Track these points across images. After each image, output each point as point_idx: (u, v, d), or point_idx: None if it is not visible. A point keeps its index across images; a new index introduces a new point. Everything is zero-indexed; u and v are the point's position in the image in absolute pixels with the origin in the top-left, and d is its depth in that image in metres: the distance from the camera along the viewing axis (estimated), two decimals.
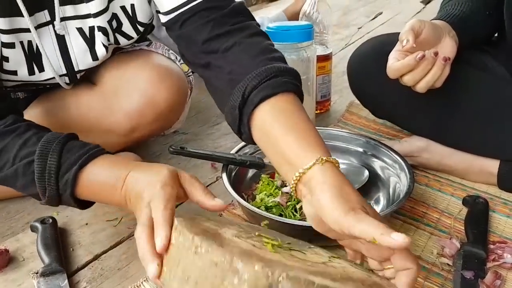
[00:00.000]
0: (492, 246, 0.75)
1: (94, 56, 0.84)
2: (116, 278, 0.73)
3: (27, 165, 0.67)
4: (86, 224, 0.85)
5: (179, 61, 0.92)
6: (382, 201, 0.86)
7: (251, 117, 0.64)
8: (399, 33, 0.85)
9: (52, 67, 0.81)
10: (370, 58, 1.01)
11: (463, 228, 0.80)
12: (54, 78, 0.83)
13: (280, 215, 0.79)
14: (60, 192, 0.67)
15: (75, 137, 0.71)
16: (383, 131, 1.14)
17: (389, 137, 1.12)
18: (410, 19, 0.87)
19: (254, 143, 0.67)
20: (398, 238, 0.48)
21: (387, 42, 0.92)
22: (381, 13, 2.31)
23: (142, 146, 1.11)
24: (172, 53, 0.92)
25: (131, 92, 0.83)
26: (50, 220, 0.82)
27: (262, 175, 0.87)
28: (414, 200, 0.89)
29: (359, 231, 0.50)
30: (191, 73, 0.94)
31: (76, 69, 0.85)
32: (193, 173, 1.00)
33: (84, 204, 0.71)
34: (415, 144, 0.96)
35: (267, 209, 0.80)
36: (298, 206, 0.79)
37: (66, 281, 0.71)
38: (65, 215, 0.88)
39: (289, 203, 0.80)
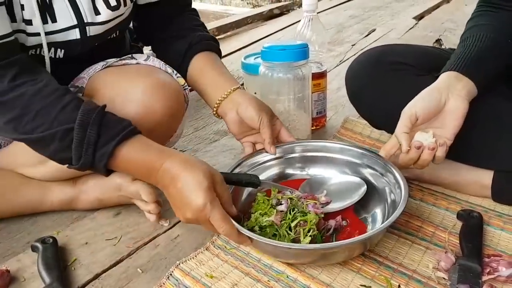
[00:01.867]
0: (487, 260, 0.76)
1: (97, 11, 0.87)
2: None
3: (66, 131, 0.74)
4: (86, 243, 0.86)
5: (175, 74, 0.94)
6: (379, 215, 0.86)
7: (192, 59, 0.99)
8: (394, 44, 0.88)
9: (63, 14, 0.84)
10: (366, 68, 1.04)
11: (458, 242, 0.81)
12: (67, 30, 0.85)
13: (275, 234, 0.79)
14: (95, 163, 0.75)
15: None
16: (378, 146, 1.16)
17: None
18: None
19: (185, 77, 0.98)
20: (272, 151, 0.92)
21: (383, 52, 1.05)
22: (374, 30, 2.36)
23: None
24: (168, 67, 0.94)
25: (128, 103, 0.84)
26: (51, 240, 0.83)
27: (258, 194, 0.86)
28: (409, 214, 0.90)
29: (261, 130, 0.91)
30: (187, 87, 0.96)
31: (85, 20, 0.86)
32: None
33: (110, 171, 0.79)
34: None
35: (262, 228, 0.79)
36: (293, 224, 0.78)
37: None
38: (65, 234, 0.89)
39: (283, 221, 0.79)
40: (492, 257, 0.77)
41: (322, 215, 0.81)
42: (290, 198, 0.84)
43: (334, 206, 0.87)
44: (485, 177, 0.91)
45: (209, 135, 1.31)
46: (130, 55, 0.94)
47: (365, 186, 0.88)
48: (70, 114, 0.74)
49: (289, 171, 0.97)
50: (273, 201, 0.84)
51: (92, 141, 0.73)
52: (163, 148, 0.78)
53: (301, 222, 0.78)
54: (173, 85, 0.89)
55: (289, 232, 0.78)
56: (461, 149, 0.90)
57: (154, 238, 0.87)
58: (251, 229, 0.79)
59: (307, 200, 0.84)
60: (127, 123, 0.77)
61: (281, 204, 0.83)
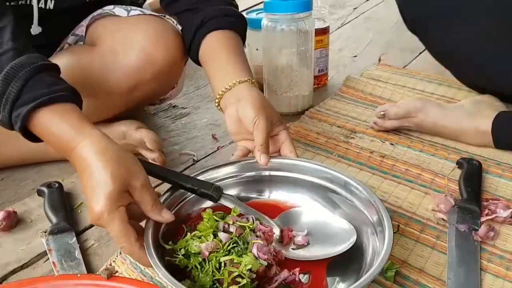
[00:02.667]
0: (485, 203, 0.78)
1: None
2: None
3: None
4: None
5: (176, 24, 0.93)
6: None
7: (203, 39, 0.87)
8: None
9: None
10: None
11: (458, 187, 0.83)
12: None
13: (201, 265, 0.62)
14: (12, 122, 0.66)
15: (55, 69, 0.70)
16: (379, 103, 1.16)
17: None
18: None
19: (197, 59, 0.89)
20: (261, 161, 0.74)
21: None
22: None
23: (143, 118, 1.13)
24: (168, 17, 0.93)
25: (129, 51, 0.84)
26: (56, 185, 0.84)
27: (206, 210, 0.70)
28: (408, 163, 0.92)
29: (254, 133, 0.74)
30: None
31: None
32: (193, 143, 1.05)
33: (38, 138, 0.69)
34: (412, 105, 0.98)
35: (188, 256, 0.63)
36: (223, 260, 0.61)
37: (75, 238, 0.73)
38: (70, 181, 0.90)
39: (214, 254, 0.62)
40: (490, 200, 0.79)
41: (268, 262, 0.63)
42: (242, 227, 0.67)
43: (309, 252, 0.69)
44: (484, 123, 0.92)
45: (210, 93, 1.31)
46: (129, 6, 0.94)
47: (355, 237, 0.68)
48: (2, 64, 0.66)
49: (245, 194, 0.79)
50: (220, 224, 0.67)
51: (11, 98, 0.65)
52: (87, 125, 0.65)
53: (235, 263, 0.61)
54: (174, 34, 0.89)
55: (216, 270, 0.61)
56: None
57: (158, 185, 0.89)
58: (174, 253, 0.64)
59: (257, 238, 0.66)
60: (60, 87, 0.66)
61: (228, 231, 0.66)
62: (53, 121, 0.65)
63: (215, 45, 0.86)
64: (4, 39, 0.69)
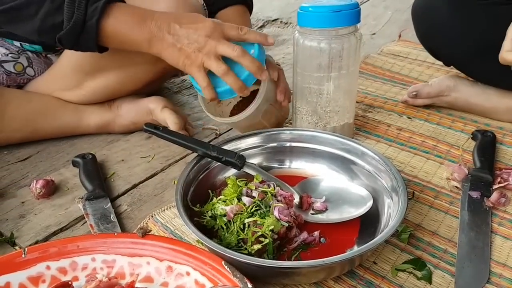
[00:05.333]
0: (498, 172, 0.81)
1: None
2: (153, 202, 0.81)
3: None
4: (122, 160, 0.93)
5: None
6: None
7: (217, 14, 0.99)
8: None
9: None
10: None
11: (472, 158, 0.86)
12: None
13: (226, 226, 0.67)
14: (87, 19, 0.73)
15: None
16: (397, 78, 1.19)
17: (403, 83, 1.16)
18: None
19: None
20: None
21: None
22: None
23: (167, 96, 1.18)
24: None
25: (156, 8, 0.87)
26: (90, 156, 0.89)
27: (230, 177, 0.75)
28: (425, 135, 0.95)
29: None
30: (205, 7, 0.98)
31: None
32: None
33: (102, 48, 0.79)
34: (444, 84, 0.99)
35: (215, 218, 0.68)
36: (247, 221, 0.66)
37: (109, 204, 0.78)
38: (102, 153, 0.95)
39: (238, 216, 0.67)
40: (503, 170, 0.82)
41: (289, 224, 0.67)
42: (264, 192, 0.71)
43: (327, 216, 0.73)
44: None
45: None
46: None
47: (371, 202, 0.72)
48: None
49: (266, 163, 0.83)
50: (243, 189, 0.71)
51: None
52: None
53: (258, 224, 0.66)
54: (194, 2, 0.93)
55: (240, 230, 0.66)
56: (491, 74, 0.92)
57: (184, 156, 0.94)
58: (202, 215, 0.70)
59: (278, 202, 0.70)
60: None
61: (252, 196, 0.70)
62: (129, 5, 0.77)
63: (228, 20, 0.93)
64: None
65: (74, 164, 0.90)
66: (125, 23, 0.76)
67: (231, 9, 1.02)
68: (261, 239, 0.64)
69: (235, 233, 0.66)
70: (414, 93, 1.02)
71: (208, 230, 0.68)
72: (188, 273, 0.60)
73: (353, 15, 0.81)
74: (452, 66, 1.04)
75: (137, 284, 0.58)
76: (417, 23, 1.03)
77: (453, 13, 0.94)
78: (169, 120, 0.93)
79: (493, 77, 0.95)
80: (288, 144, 0.84)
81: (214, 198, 0.72)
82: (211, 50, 0.75)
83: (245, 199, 0.69)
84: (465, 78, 1.01)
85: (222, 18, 0.98)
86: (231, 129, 1.04)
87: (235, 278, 0.57)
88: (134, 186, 0.85)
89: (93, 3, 0.74)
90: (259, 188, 0.72)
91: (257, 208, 0.68)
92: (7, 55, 0.95)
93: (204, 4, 0.97)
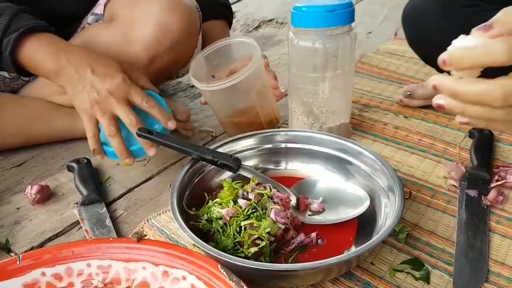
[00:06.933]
0: (495, 170, 0.81)
1: None
2: (149, 205, 0.81)
3: None
4: (118, 164, 0.92)
5: None
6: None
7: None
8: None
9: None
10: (435, 4, 0.96)
11: (469, 156, 0.86)
12: None
13: (223, 229, 0.66)
14: (2, 50, 0.76)
15: (28, 12, 0.81)
16: (393, 77, 1.19)
17: (400, 82, 1.16)
18: None
19: None
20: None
21: None
22: None
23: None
24: None
25: (146, 23, 0.87)
26: (85, 160, 0.89)
27: (226, 179, 0.74)
28: (421, 134, 0.94)
29: None
30: (199, 9, 0.98)
31: None
32: (211, 120, 1.08)
33: (24, 72, 0.81)
34: None
35: (211, 221, 0.68)
36: (243, 224, 0.65)
37: (105, 208, 0.78)
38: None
39: (234, 219, 0.66)
40: (501, 167, 0.81)
41: (286, 226, 0.67)
42: (260, 194, 0.70)
43: (324, 217, 0.73)
44: None
45: None
46: None
47: (368, 202, 0.72)
48: None
49: (262, 165, 0.83)
50: (239, 192, 0.70)
51: (1, 27, 0.75)
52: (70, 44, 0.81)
53: (255, 226, 0.65)
54: (188, 5, 0.92)
55: (236, 233, 0.65)
56: None
57: (180, 159, 0.93)
58: (197, 218, 0.69)
59: (275, 204, 0.69)
60: (42, 22, 0.79)
61: (248, 199, 0.69)
62: (44, 42, 0.78)
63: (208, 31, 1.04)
64: None
65: (69, 169, 0.90)
66: (38, 53, 0.78)
67: (213, 23, 1.07)
68: (258, 241, 0.64)
69: (232, 236, 0.65)
70: (408, 93, 1.02)
71: (204, 234, 0.68)
72: (184, 278, 0.60)
73: (347, 15, 0.80)
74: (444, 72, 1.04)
75: None
76: (407, 29, 1.03)
77: (444, 19, 0.93)
78: (177, 110, 0.92)
79: None
80: (283, 145, 0.83)
81: (210, 201, 0.71)
82: (107, 108, 0.75)
83: (241, 202, 0.68)
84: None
85: (204, 29, 1.02)
86: None
87: (231, 281, 0.56)
88: (130, 190, 0.85)
89: (9, 34, 0.76)
90: (255, 190, 0.72)
91: (254, 210, 0.67)
92: None
93: (198, 6, 0.97)
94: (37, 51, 0.77)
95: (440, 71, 1.06)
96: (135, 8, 0.90)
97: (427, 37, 0.98)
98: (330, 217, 0.73)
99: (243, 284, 0.56)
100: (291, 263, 0.65)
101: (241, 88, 0.84)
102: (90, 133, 0.78)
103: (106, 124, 0.75)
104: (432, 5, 0.95)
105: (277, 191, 0.73)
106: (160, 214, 0.77)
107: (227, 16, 1.12)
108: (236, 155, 0.76)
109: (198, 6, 0.97)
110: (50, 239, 0.75)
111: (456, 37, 0.91)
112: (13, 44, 0.76)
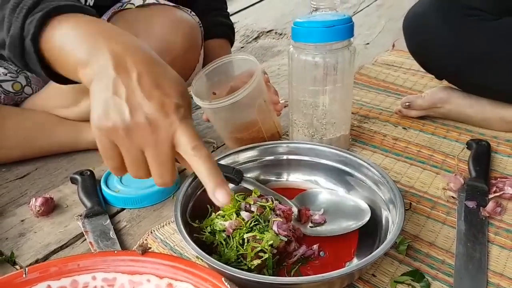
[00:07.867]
0: (493, 181, 0.82)
1: None
2: (152, 217, 0.81)
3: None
4: None
5: (191, 12, 0.97)
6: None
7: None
8: None
9: None
10: (437, 13, 0.97)
11: (467, 167, 0.87)
12: None
13: (226, 241, 0.67)
14: (24, 33, 0.54)
15: None
16: (392, 88, 1.20)
17: (398, 93, 1.18)
18: None
19: None
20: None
21: None
22: None
23: None
24: (183, 8, 0.98)
25: (147, 39, 0.88)
26: (88, 172, 0.90)
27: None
28: (420, 145, 0.96)
29: None
30: (201, 25, 1.00)
31: None
32: (212, 131, 1.08)
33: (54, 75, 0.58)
34: (437, 96, 1.00)
35: (214, 233, 0.68)
36: (246, 237, 0.65)
37: (109, 220, 0.79)
38: (101, 169, 0.96)
39: (237, 231, 0.66)
40: (499, 179, 0.83)
41: (288, 238, 0.68)
42: (263, 206, 0.71)
43: (326, 229, 0.74)
44: (510, 113, 0.95)
45: None
46: None
47: (369, 214, 0.73)
48: None
49: (264, 176, 0.84)
50: (242, 204, 0.71)
51: (27, 5, 0.54)
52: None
53: (257, 239, 0.65)
54: (190, 21, 0.94)
55: (239, 246, 0.65)
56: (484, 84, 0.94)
57: (183, 170, 0.94)
58: (201, 230, 0.69)
59: (277, 216, 0.70)
60: (79, 3, 0.57)
61: (250, 211, 0.70)
62: (77, 22, 0.54)
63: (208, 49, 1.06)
64: None
65: (73, 181, 0.90)
66: (67, 36, 0.53)
67: (215, 41, 1.09)
68: (261, 254, 0.64)
69: (235, 248, 0.66)
70: (407, 103, 1.03)
71: (208, 246, 0.68)
72: None
73: (346, 30, 0.82)
74: (444, 80, 1.05)
75: None
76: (408, 38, 1.04)
77: (445, 28, 0.95)
78: None
79: (485, 90, 0.96)
80: (285, 157, 0.84)
81: (213, 213, 0.72)
82: (136, 145, 0.49)
83: (244, 214, 0.69)
84: (458, 90, 1.02)
85: (206, 47, 1.04)
86: None
87: None
88: None
89: (35, 13, 0.54)
90: (258, 202, 0.73)
91: (256, 223, 0.68)
92: (6, 74, 0.96)
93: (200, 23, 0.98)
94: (67, 33, 0.53)
95: (440, 79, 1.10)
96: (137, 26, 0.91)
97: (428, 46, 1.00)
98: (331, 229, 0.74)
99: None
100: (294, 275, 0.66)
101: (243, 104, 0.85)
102: (109, 166, 0.53)
103: (132, 168, 0.52)
104: (433, 14, 0.97)
105: (279, 202, 0.74)
106: (163, 226, 0.78)
107: (229, 36, 1.14)
108: (238, 167, 0.77)
109: (200, 22, 0.99)
110: (54, 252, 0.76)
111: (456, 46, 0.95)
112: (37, 26, 0.53)
